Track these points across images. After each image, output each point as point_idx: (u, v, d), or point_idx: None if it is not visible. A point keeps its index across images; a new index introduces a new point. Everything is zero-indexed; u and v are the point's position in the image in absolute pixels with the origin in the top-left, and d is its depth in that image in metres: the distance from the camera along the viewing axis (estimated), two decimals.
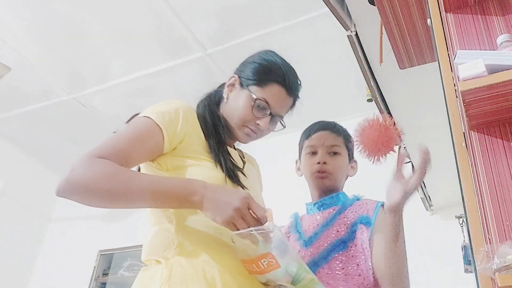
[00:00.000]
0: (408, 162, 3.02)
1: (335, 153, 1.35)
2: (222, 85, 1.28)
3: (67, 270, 4.56)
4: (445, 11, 1.30)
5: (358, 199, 1.35)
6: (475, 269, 0.88)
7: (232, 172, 1.10)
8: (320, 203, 1.36)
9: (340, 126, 1.44)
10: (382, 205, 1.30)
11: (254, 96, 1.15)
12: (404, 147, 2.84)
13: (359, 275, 1.18)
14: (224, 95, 1.20)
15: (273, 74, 1.19)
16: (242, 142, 1.23)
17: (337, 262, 1.21)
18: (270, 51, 1.27)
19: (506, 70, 0.95)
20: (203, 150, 1.10)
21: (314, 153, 1.37)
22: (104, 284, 4.53)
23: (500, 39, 1.09)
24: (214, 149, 1.11)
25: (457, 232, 3.09)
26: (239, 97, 1.17)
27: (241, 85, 1.18)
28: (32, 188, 4.97)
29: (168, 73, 3.60)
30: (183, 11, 3.13)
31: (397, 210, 1.07)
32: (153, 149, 1.04)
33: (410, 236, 3.54)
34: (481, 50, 1.18)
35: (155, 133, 1.03)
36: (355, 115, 3.72)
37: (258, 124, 1.16)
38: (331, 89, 3.75)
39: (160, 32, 3.30)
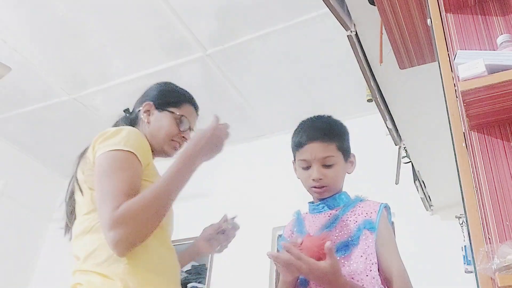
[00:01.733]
0: (408, 162, 3.03)
1: (329, 165, 1.29)
2: (122, 119, 1.44)
3: (67, 270, 4.56)
4: (445, 11, 1.30)
5: (361, 200, 1.33)
6: (475, 269, 0.88)
7: None
8: (322, 205, 1.34)
9: (332, 128, 1.35)
10: (385, 207, 1.29)
11: (178, 114, 1.36)
12: (404, 148, 2.85)
13: (360, 281, 1.17)
14: (144, 120, 1.36)
15: (185, 97, 1.43)
16: (169, 156, 1.37)
17: (340, 266, 1.20)
18: (169, 82, 1.49)
19: (506, 70, 0.95)
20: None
21: (307, 167, 1.31)
22: None
23: (500, 39, 1.09)
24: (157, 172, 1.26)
25: (457, 232, 3.09)
26: (161, 118, 1.36)
27: (158, 109, 1.37)
28: (32, 188, 4.97)
29: (168, 73, 3.60)
30: (183, 11, 3.13)
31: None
32: (140, 175, 1.16)
33: (410, 236, 3.54)
34: (481, 50, 1.18)
35: (135, 163, 1.15)
36: (355, 115, 3.75)
37: (184, 137, 1.37)
38: (331, 89, 3.75)
39: (160, 32, 3.31)
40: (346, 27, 1.92)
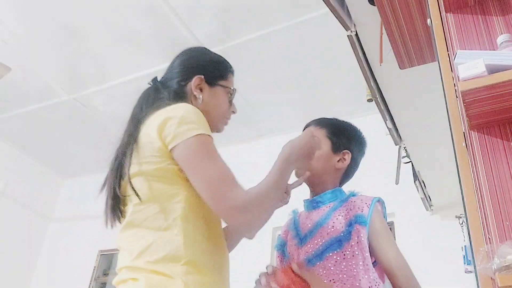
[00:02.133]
0: (408, 162, 3.03)
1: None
2: (162, 90, 1.29)
3: (67, 270, 4.57)
4: (445, 11, 1.30)
5: (353, 195, 1.34)
6: (475, 269, 0.88)
7: None
8: (316, 201, 1.36)
9: (327, 119, 1.48)
10: (378, 201, 1.30)
11: (232, 88, 1.29)
12: (404, 148, 2.85)
13: (354, 277, 1.17)
14: (198, 96, 1.24)
15: (228, 66, 1.33)
16: (219, 132, 1.32)
17: (332, 262, 1.20)
18: (202, 47, 1.41)
19: (506, 70, 0.95)
20: None
21: None
22: (104, 284, 4.53)
23: (500, 39, 1.09)
24: None
25: (457, 232, 3.10)
26: (216, 95, 1.26)
27: (209, 83, 1.26)
28: (32, 188, 4.97)
29: None
30: (183, 11, 3.13)
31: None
32: None
33: (410, 236, 3.53)
34: (481, 50, 1.17)
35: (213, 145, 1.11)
36: (355, 115, 3.74)
37: (233, 111, 1.31)
38: (331, 89, 3.75)
39: (160, 32, 3.31)
40: (346, 27, 1.92)
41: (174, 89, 1.27)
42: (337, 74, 3.58)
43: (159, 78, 1.40)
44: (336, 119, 1.49)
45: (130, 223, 1.08)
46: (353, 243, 1.21)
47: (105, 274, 4.56)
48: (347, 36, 1.97)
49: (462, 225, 3.09)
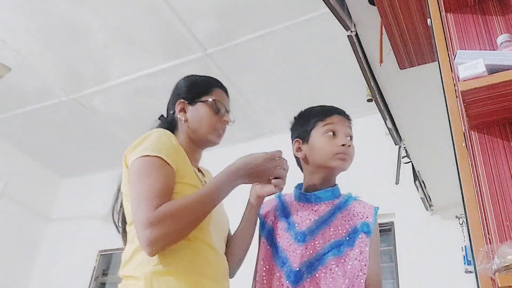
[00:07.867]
0: (408, 162, 3.03)
1: (351, 139, 1.33)
2: (160, 121, 1.38)
3: (67, 270, 4.57)
4: (445, 11, 1.30)
5: (354, 199, 1.30)
6: (475, 269, 0.88)
7: None
8: (315, 196, 1.30)
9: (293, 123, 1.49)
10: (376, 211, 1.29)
11: (210, 99, 1.32)
12: (404, 148, 2.85)
13: (350, 282, 1.16)
14: (182, 118, 1.32)
15: (212, 82, 1.39)
16: (216, 144, 1.35)
17: (333, 266, 1.17)
18: (188, 75, 1.45)
19: (506, 70, 0.95)
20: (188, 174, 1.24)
21: (334, 134, 1.31)
22: (104, 284, 4.53)
23: (500, 39, 1.09)
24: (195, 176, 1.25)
25: (457, 232, 3.10)
26: (197, 111, 1.32)
27: (191, 104, 1.33)
28: (32, 188, 4.97)
29: (168, 73, 3.60)
30: (183, 11, 3.13)
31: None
32: (171, 177, 1.15)
33: (410, 236, 3.51)
34: (481, 50, 1.18)
35: (164, 166, 1.14)
36: (355, 115, 3.73)
37: (225, 121, 1.33)
38: (331, 89, 3.75)
39: (160, 32, 3.31)
40: (346, 27, 1.92)
41: (167, 120, 1.36)
42: (337, 74, 3.58)
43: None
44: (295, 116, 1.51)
45: (129, 240, 1.18)
46: (356, 250, 1.18)
47: (105, 274, 4.56)
48: (347, 36, 1.97)
49: (462, 225, 3.09)
